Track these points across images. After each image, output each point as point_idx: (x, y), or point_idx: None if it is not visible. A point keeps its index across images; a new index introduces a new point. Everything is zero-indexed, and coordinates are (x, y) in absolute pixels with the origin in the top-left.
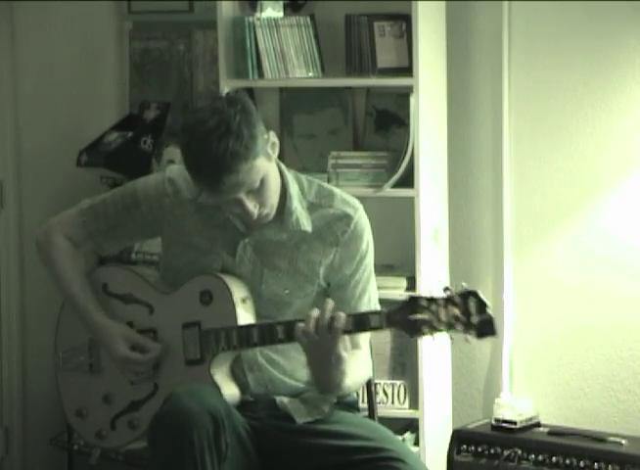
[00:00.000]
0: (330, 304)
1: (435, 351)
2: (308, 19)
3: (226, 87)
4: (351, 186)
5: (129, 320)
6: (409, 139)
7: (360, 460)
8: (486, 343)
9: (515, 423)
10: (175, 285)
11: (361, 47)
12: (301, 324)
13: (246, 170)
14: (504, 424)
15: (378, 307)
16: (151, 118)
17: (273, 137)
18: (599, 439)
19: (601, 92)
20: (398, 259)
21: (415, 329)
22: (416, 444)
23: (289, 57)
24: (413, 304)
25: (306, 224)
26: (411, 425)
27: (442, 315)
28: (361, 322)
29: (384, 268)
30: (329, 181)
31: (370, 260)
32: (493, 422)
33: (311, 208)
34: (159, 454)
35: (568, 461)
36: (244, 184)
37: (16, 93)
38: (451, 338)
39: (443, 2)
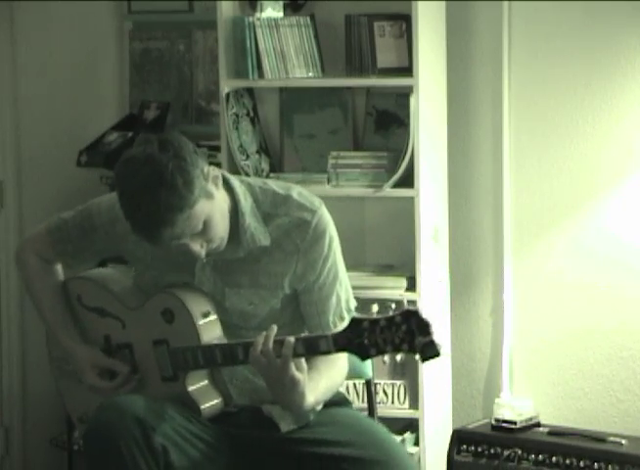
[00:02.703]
0: (272, 330)
1: None
2: (308, 19)
3: (226, 87)
4: (351, 186)
5: (106, 333)
6: (409, 139)
7: None
8: (486, 343)
9: (515, 423)
10: (147, 298)
11: (361, 47)
12: (251, 348)
13: (184, 220)
14: (504, 424)
15: (351, 305)
16: (151, 118)
17: (214, 171)
18: (599, 439)
19: (601, 92)
20: (398, 259)
21: (363, 352)
22: (416, 444)
23: (289, 57)
24: (356, 326)
25: (263, 239)
26: (411, 425)
27: (387, 337)
28: (311, 346)
29: (384, 268)
30: (329, 181)
31: (335, 260)
32: (493, 422)
33: (267, 218)
34: (92, 466)
35: (568, 461)
36: (183, 233)
37: (16, 93)
38: (399, 359)
39: (443, 2)
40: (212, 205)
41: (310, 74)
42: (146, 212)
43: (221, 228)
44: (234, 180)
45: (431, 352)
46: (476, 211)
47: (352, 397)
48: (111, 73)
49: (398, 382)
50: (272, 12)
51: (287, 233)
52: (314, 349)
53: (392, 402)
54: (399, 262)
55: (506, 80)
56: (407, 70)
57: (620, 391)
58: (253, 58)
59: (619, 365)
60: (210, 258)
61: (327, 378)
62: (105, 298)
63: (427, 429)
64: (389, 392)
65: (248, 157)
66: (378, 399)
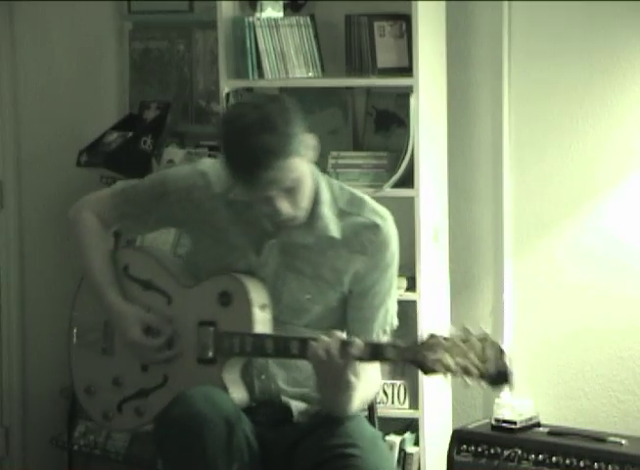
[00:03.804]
0: (341, 333)
1: None
2: (308, 19)
3: (226, 87)
4: (351, 186)
5: (146, 308)
6: (409, 139)
7: (328, 457)
8: None
9: (515, 423)
10: (198, 279)
11: (361, 47)
12: (314, 343)
13: (280, 167)
14: (504, 424)
15: (394, 322)
16: (151, 118)
17: (311, 140)
18: (599, 439)
19: (601, 92)
20: (398, 259)
21: (429, 368)
22: (416, 444)
23: (289, 57)
24: (431, 341)
25: (334, 230)
26: (411, 425)
27: (459, 359)
28: (376, 353)
29: None
30: None
31: (393, 273)
32: (493, 422)
33: (341, 215)
34: (168, 457)
35: (568, 461)
36: (277, 181)
37: (16, 93)
38: (467, 383)
39: (443, 2)
40: (304, 169)
41: (310, 74)
42: (248, 152)
43: (306, 197)
44: (317, 171)
45: (502, 379)
46: (476, 211)
47: None
48: (111, 73)
49: (398, 382)
50: (272, 12)
51: (356, 233)
52: (379, 355)
53: (392, 402)
54: (399, 262)
55: (506, 80)
56: (407, 70)
57: (620, 391)
58: (253, 58)
59: (619, 365)
60: (280, 238)
61: (364, 389)
62: (155, 271)
63: (427, 429)
64: (389, 392)
65: None
66: (378, 399)
